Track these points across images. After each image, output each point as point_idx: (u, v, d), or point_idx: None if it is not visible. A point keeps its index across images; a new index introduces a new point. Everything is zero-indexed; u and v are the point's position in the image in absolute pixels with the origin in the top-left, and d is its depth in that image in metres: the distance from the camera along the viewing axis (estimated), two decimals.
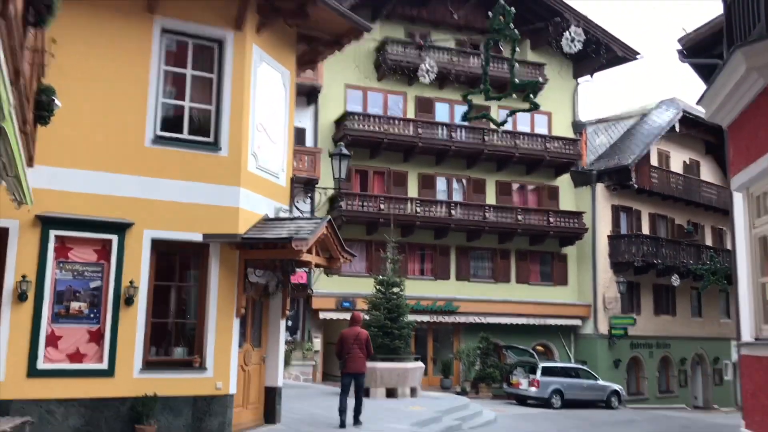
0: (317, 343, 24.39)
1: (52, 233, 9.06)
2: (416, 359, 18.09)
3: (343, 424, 11.09)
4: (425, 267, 26.51)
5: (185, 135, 10.20)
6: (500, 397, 25.14)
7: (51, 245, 9.05)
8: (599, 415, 21.68)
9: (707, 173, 33.54)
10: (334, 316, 24.10)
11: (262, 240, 10.10)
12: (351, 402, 11.45)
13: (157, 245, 9.78)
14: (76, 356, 9.07)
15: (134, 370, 9.31)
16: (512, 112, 11.37)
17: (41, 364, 8.76)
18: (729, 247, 31.65)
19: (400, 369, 16.88)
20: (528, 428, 16.27)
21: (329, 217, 10.82)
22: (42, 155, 9.02)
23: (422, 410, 14.51)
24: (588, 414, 21.58)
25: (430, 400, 16.80)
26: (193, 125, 10.34)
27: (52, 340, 8.95)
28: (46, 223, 9.02)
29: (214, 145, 10.25)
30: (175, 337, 10.07)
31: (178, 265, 10.32)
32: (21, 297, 8.69)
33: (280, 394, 11.50)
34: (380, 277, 18.33)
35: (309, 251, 10.37)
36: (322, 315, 24.06)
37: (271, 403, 11.30)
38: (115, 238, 9.43)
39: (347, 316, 24.73)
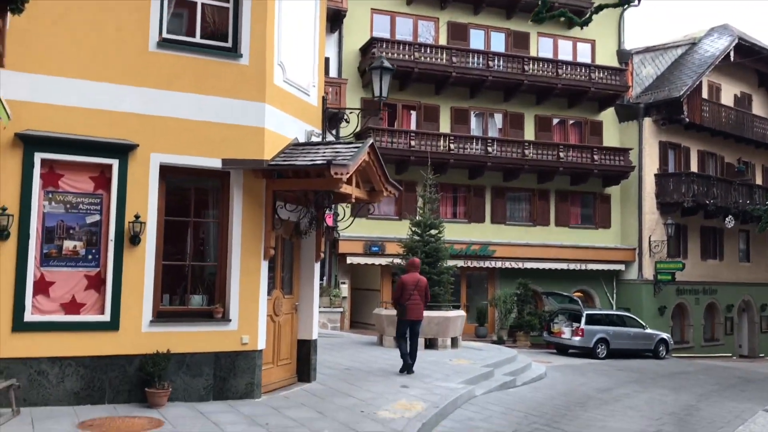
0: (344, 289, 22.90)
1: (38, 156, 7.35)
2: (457, 307, 16.47)
3: (408, 369, 10.96)
4: (458, 210, 24.70)
5: (197, 38, 8.35)
6: (538, 346, 23.63)
7: (36, 171, 7.35)
8: (649, 365, 20.13)
9: (759, 107, 31.13)
10: (362, 261, 22.53)
11: (293, 167, 8.34)
12: None
13: (167, 172, 8.06)
14: (72, 306, 7.47)
15: (143, 323, 7.71)
16: (598, 8, 9.30)
17: (29, 316, 7.17)
18: None
19: (440, 318, 15.29)
20: (582, 382, 14.70)
21: (371, 140, 9.01)
22: (21, 58, 7.25)
23: (468, 364, 12.95)
24: (637, 365, 20.03)
25: (473, 352, 15.25)
26: (207, 27, 8.48)
27: (42, 287, 7.34)
28: (30, 143, 7.30)
29: (233, 52, 8.41)
30: (191, 283, 8.39)
31: (192, 197, 8.59)
32: (1, 234, 7.05)
33: (316, 347, 9.93)
34: (416, 218, 16.55)
35: (348, 182, 8.62)
36: (349, 260, 22.50)
37: (305, 358, 9.73)
38: (115, 163, 7.72)
39: (376, 261, 23.37)
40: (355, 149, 8.53)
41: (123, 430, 6.48)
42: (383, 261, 22.21)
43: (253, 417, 7.35)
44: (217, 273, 8.39)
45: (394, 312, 14.08)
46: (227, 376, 8.15)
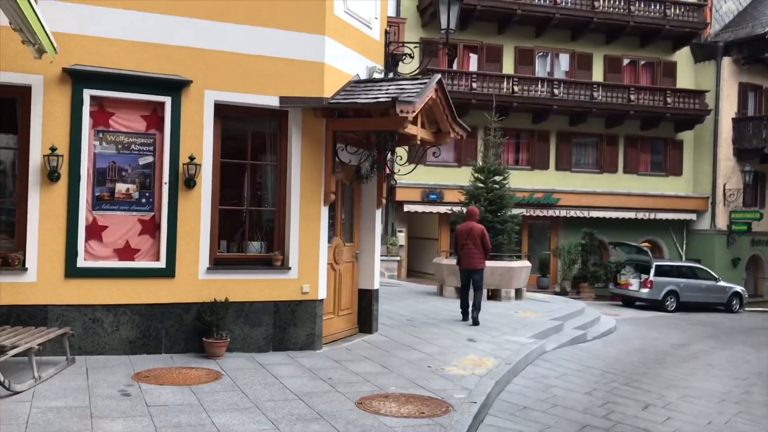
0: (401, 237, 22.43)
1: (87, 93, 6.91)
2: (520, 257, 15.78)
3: (465, 317, 10.92)
4: (521, 156, 23.73)
5: None
6: (603, 297, 22.81)
7: (86, 108, 6.93)
8: (722, 319, 19.14)
9: None
10: (420, 209, 21.95)
11: (355, 105, 7.71)
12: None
13: (222, 111, 7.54)
14: (126, 252, 7.12)
15: (199, 270, 7.33)
16: None
17: (82, 262, 6.85)
18: None
19: (503, 268, 14.65)
20: (654, 337, 13.95)
21: (438, 75, 8.27)
22: None
23: (535, 317, 12.34)
24: (710, 319, 19.07)
25: (539, 304, 14.62)
26: None
27: (95, 232, 7.00)
28: (78, 79, 6.86)
29: None
30: (249, 229, 7.96)
31: (249, 138, 8.07)
32: (52, 176, 6.69)
33: (377, 298, 9.46)
34: (479, 164, 15.76)
35: (414, 121, 7.93)
36: (406, 207, 21.95)
37: (366, 309, 9.28)
38: (168, 100, 7.24)
39: (434, 209, 22.72)
40: (422, 85, 7.83)
41: (180, 382, 6.15)
42: (441, 209, 21.61)
43: (315, 370, 6.95)
44: (275, 219, 7.92)
45: (454, 261, 13.54)
46: (287, 326, 7.76)
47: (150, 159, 7.22)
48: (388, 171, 9.65)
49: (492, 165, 15.51)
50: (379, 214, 9.45)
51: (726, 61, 24.37)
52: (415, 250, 23.48)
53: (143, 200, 7.18)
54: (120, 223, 7.09)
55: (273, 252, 7.79)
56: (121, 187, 7.10)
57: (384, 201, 9.36)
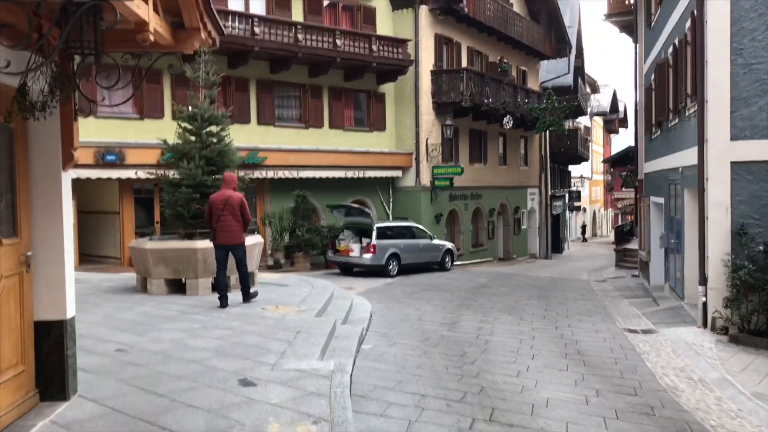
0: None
1: None
2: (253, 231, 12.29)
3: (224, 302, 9.45)
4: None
5: None
6: (317, 266, 20.44)
7: None
8: (444, 281, 18.13)
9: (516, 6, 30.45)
10: (93, 174, 16.74)
11: None
12: None
13: None
14: None
15: None
16: None
17: None
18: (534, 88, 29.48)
19: None
20: (416, 316, 11.75)
21: None
22: None
23: (293, 314, 9.08)
24: (432, 281, 17.87)
25: (281, 291, 11.37)
26: None
27: None
28: None
29: None
30: None
31: None
32: None
33: (73, 333, 5.20)
34: (189, 109, 11.61)
35: None
36: (74, 173, 16.51)
37: (53, 356, 5.00)
38: None
39: (113, 174, 17.70)
40: None
41: None
42: (124, 174, 16.86)
43: None
44: None
45: (163, 245, 10.77)
46: None
47: None
48: (79, 99, 5.28)
49: (207, 111, 11.51)
50: (67, 181, 5.16)
51: (423, 10, 23.40)
52: (88, 229, 18.22)
53: None
54: None
55: None
56: None
57: (76, 156, 5.09)
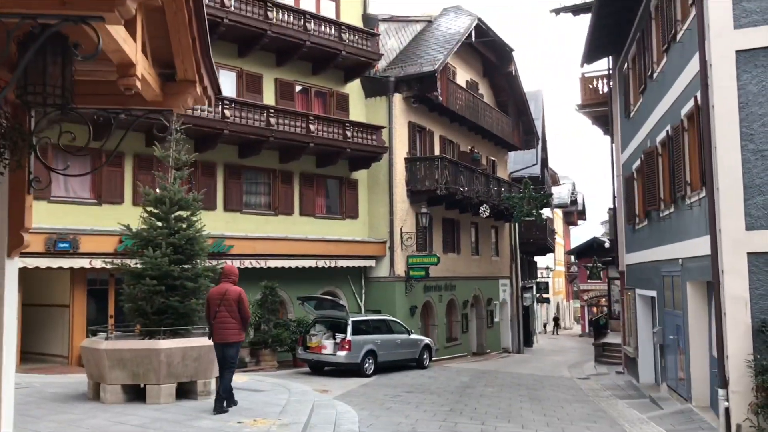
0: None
1: None
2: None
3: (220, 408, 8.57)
4: None
5: None
6: (286, 365, 18.86)
7: None
8: (425, 381, 16.77)
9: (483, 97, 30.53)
10: (43, 263, 15.18)
11: None
12: None
13: None
14: None
15: None
16: None
17: None
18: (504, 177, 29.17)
19: (199, 349, 9.63)
20: (400, 423, 10.38)
21: None
22: None
23: (272, 428, 7.69)
24: (413, 380, 16.50)
25: (255, 399, 9.95)
26: None
27: None
28: None
29: None
30: None
31: None
32: None
33: None
34: (157, 192, 10.42)
35: (128, 24, 2.88)
36: (20, 261, 14.96)
37: None
38: None
39: (65, 263, 16.18)
40: None
41: None
42: (77, 263, 15.37)
43: None
44: None
45: (120, 345, 9.50)
46: None
47: None
48: (35, 167, 4.10)
49: (177, 194, 10.35)
50: (15, 265, 3.94)
51: (397, 98, 23.02)
52: (32, 324, 16.44)
53: None
54: None
55: None
56: None
57: (27, 236, 3.90)
